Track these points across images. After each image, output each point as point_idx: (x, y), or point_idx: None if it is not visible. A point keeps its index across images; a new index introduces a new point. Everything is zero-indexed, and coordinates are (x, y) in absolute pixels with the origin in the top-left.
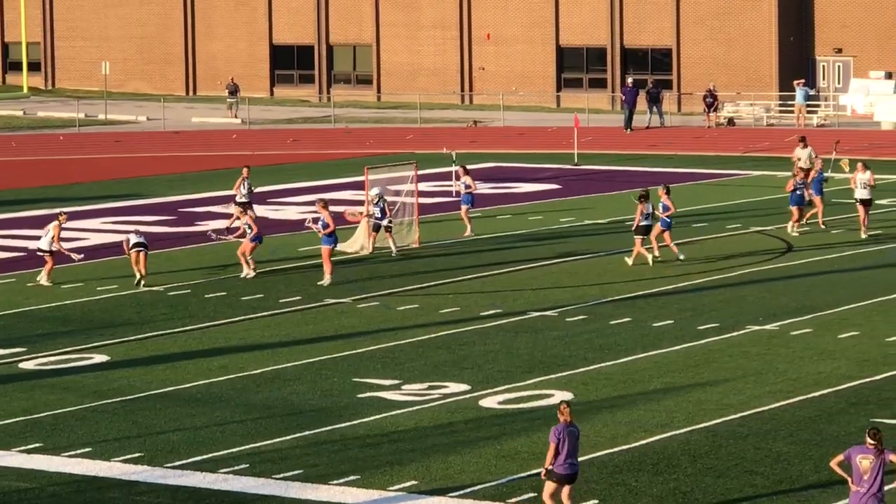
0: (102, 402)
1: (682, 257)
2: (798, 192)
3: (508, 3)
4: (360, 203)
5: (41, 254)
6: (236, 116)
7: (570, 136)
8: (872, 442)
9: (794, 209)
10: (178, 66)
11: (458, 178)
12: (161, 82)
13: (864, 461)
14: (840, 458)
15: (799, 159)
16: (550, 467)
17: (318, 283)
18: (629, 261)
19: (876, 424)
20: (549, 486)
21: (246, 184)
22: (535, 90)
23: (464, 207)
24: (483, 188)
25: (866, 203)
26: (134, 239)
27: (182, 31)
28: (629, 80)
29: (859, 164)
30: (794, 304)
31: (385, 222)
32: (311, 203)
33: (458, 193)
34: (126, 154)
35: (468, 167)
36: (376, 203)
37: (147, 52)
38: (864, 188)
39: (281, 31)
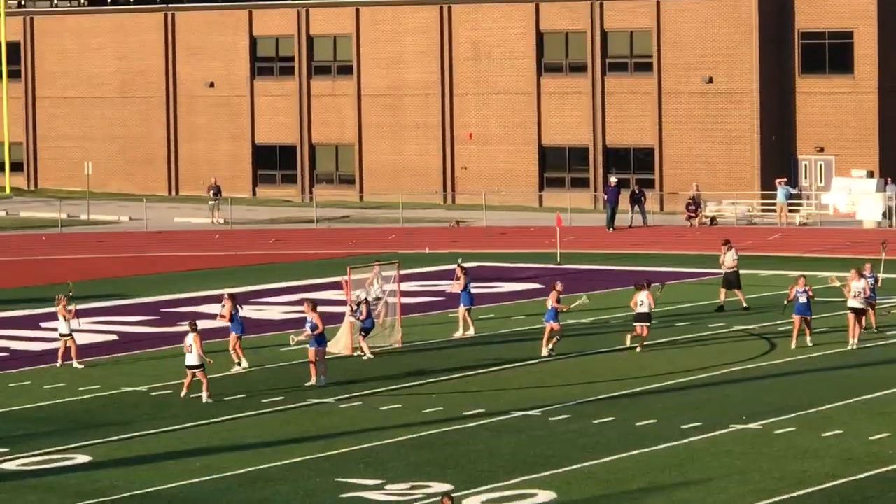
0: (84, 503)
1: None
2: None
3: (490, 102)
4: (343, 303)
5: (63, 338)
6: (218, 219)
7: (553, 235)
8: None
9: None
10: (160, 167)
11: (456, 279)
12: (143, 182)
13: None
14: None
15: (735, 260)
16: None
17: (307, 384)
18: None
19: None
20: None
21: (379, 279)
22: (518, 189)
23: (462, 307)
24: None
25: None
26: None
27: (164, 131)
28: (612, 179)
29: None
30: (777, 402)
31: (351, 319)
32: (296, 303)
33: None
34: (109, 254)
35: (465, 266)
36: (357, 306)
37: (129, 152)
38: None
39: (263, 131)
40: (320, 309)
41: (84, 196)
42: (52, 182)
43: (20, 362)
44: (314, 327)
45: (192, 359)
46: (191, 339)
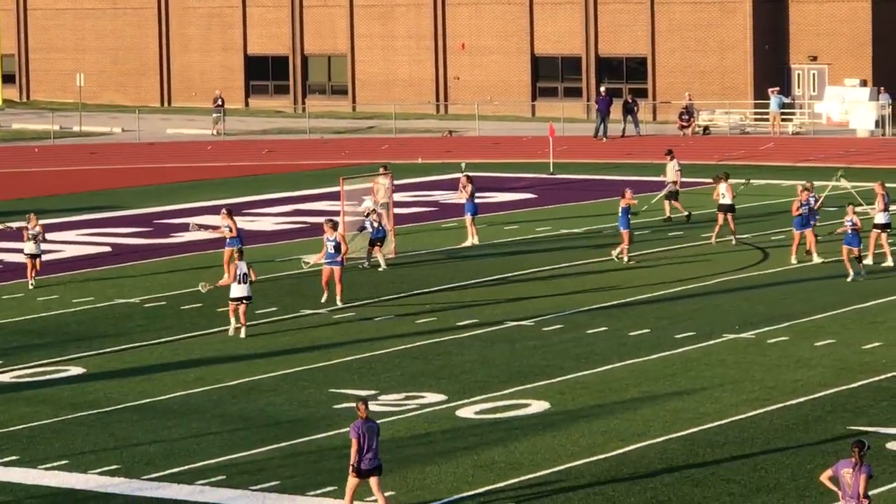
0: (78, 415)
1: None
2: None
3: (483, 13)
4: (336, 213)
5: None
6: (219, 132)
7: (546, 145)
8: (855, 456)
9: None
10: (153, 78)
11: (463, 188)
12: (136, 94)
13: (847, 475)
14: (829, 472)
15: (678, 171)
16: (356, 463)
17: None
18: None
19: (859, 436)
20: (353, 482)
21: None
22: (511, 100)
23: (468, 216)
24: (459, 198)
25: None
26: None
27: (157, 42)
28: (602, 88)
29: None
30: (770, 312)
31: (366, 232)
32: (289, 213)
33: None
34: (101, 166)
35: (471, 175)
36: (367, 216)
37: (122, 63)
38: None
39: (255, 42)
40: (313, 220)
41: (76, 108)
42: (45, 94)
43: (13, 275)
44: (337, 245)
45: (242, 290)
46: (244, 267)
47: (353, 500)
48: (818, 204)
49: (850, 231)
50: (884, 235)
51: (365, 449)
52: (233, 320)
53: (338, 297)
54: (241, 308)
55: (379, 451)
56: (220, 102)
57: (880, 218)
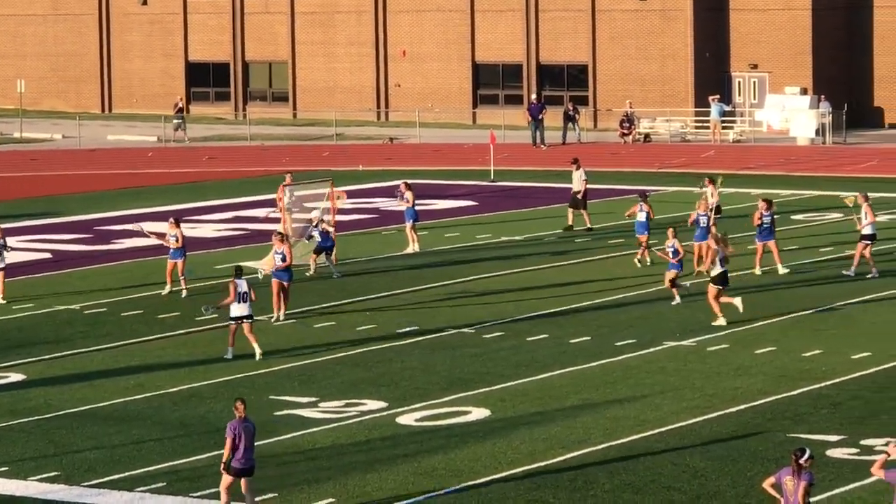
0: (19, 421)
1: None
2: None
3: (424, 20)
4: (278, 221)
5: None
6: (180, 139)
7: (487, 152)
8: (792, 463)
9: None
10: (93, 84)
11: (401, 195)
12: (77, 100)
13: (789, 482)
14: (772, 479)
15: (584, 181)
16: (227, 461)
17: (272, 318)
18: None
19: (801, 444)
20: (227, 479)
21: (289, 191)
22: (451, 107)
23: (408, 223)
24: (399, 205)
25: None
26: None
27: (98, 49)
28: (533, 96)
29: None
30: (710, 319)
31: (310, 239)
32: (229, 220)
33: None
34: (42, 172)
35: (410, 183)
36: (316, 225)
37: (63, 70)
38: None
39: (196, 48)
40: (252, 227)
41: (17, 114)
42: None
43: None
44: (284, 259)
45: (243, 309)
46: (245, 285)
47: (229, 499)
48: (713, 219)
49: (671, 258)
50: (868, 247)
51: (241, 449)
52: (231, 342)
53: (282, 311)
54: (246, 327)
55: (253, 452)
56: (180, 108)
57: (868, 229)
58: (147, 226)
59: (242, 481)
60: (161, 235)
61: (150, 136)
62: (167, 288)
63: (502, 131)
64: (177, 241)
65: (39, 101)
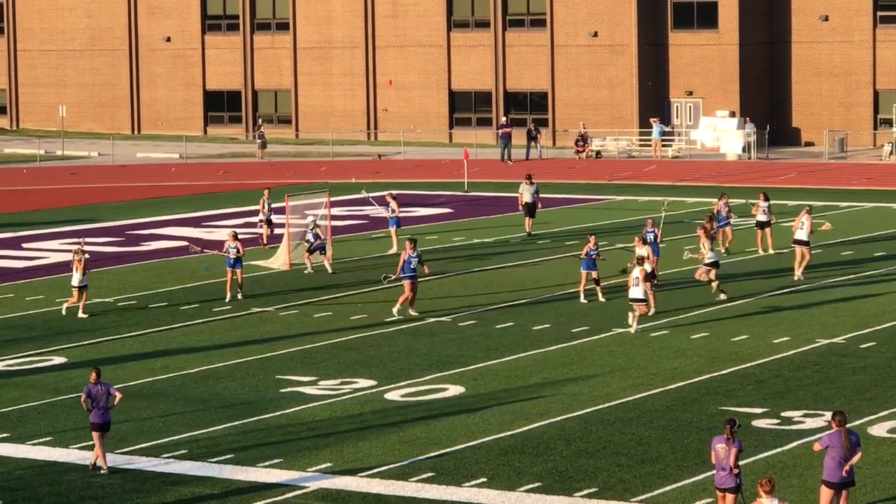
0: (61, 398)
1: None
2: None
3: (408, 54)
4: (281, 225)
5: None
6: (261, 156)
7: (461, 167)
8: (727, 431)
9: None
10: (125, 109)
11: (386, 205)
12: (111, 123)
13: (721, 449)
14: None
15: (535, 195)
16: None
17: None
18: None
19: (731, 415)
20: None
21: (268, 203)
22: (431, 128)
23: (393, 228)
24: (385, 212)
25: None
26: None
27: (128, 79)
28: (503, 119)
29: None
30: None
31: (310, 244)
32: (240, 226)
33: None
34: (80, 185)
35: (395, 194)
36: (311, 229)
37: (98, 97)
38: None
39: (213, 78)
40: (260, 232)
41: (59, 135)
42: (32, 123)
43: (4, 278)
44: (237, 251)
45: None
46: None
47: (102, 452)
48: (658, 236)
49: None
50: (807, 251)
51: (93, 406)
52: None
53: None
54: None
55: (107, 411)
56: (260, 128)
57: (800, 234)
58: (188, 237)
59: (95, 434)
60: (201, 243)
61: (174, 153)
62: (227, 296)
63: (475, 149)
64: (237, 252)
65: (78, 123)
